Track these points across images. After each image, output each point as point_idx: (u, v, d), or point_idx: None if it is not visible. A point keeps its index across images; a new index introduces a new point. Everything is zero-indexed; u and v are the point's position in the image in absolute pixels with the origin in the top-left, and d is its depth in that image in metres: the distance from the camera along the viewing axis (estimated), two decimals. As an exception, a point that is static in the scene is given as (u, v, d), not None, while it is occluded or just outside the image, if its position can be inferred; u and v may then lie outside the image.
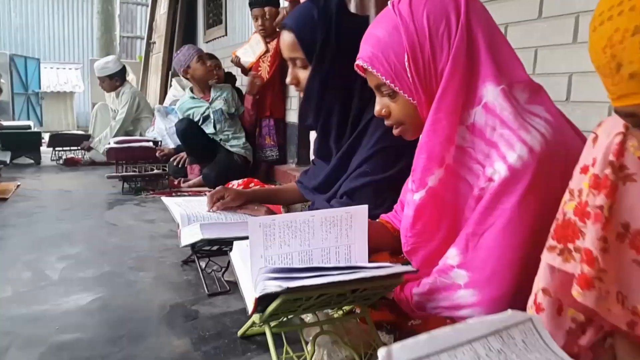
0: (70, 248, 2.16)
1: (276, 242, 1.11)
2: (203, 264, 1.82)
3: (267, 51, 3.84)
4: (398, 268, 1.06)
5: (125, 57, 12.65)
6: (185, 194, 3.51)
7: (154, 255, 2.09)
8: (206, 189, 3.61)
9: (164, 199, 1.96)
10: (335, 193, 1.66)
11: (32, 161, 4.84)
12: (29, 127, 5.20)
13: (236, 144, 3.86)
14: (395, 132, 1.19)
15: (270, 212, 1.83)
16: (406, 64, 1.05)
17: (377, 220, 1.44)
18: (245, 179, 3.33)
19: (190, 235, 1.66)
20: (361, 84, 1.54)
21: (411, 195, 1.14)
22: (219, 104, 3.83)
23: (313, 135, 3.13)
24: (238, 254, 1.24)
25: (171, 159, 4.29)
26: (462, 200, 1.08)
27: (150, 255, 2.08)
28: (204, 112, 3.83)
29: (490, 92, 1.02)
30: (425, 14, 1.04)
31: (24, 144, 4.78)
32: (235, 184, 3.30)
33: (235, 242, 1.28)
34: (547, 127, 0.97)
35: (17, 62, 10.12)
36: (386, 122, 1.19)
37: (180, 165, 4.26)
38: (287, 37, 1.59)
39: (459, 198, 1.08)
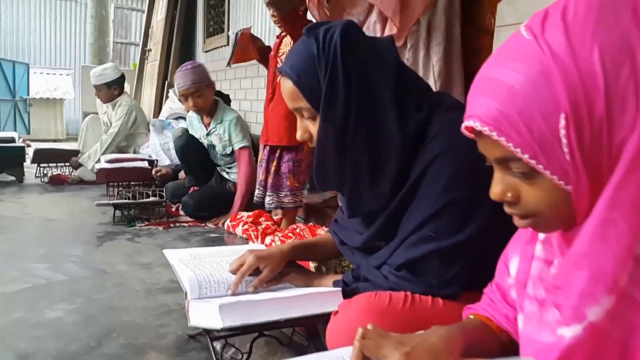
0: (47, 310, 1.74)
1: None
2: (218, 346, 1.41)
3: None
4: None
5: (119, 64, 12.15)
6: (185, 224, 3.09)
7: (152, 322, 1.68)
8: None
9: (167, 255, 1.55)
10: (385, 261, 1.25)
11: (14, 178, 4.39)
12: (12, 139, 4.75)
13: (236, 171, 3.31)
14: (521, 223, 0.77)
15: (300, 270, 1.43)
16: (562, 131, 0.64)
17: (469, 314, 1.04)
18: (256, 212, 2.94)
19: (204, 316, 1.25)
20: (398, 122, 1.14)
21: (537, 312, 0.78)
22: (214, 139, 3.27)
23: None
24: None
25: (154, 173, 3.90)
26: (636, 338, 0.68)
27: (147, 324, 1.66)
28: (201, 139, 3.36)
29: None
30: (597, 49, 0.62)
31: (5, 160, 4.33)
32: (245, 215, 2.90)
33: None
34: None
35: (4, 67, 9.58)
36: (508, 209, 0.77)
37: (157, 181, 3.88)
38: (285, 84, 1.21)
39: (632, 335, 0.68)
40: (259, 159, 2.90)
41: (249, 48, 2.77)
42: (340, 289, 1.29)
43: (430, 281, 1.13)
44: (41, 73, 10.85)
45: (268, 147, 2.73)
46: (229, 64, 2.83)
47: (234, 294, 1.32)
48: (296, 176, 2.72)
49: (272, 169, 2.71)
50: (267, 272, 1.34)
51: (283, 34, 2.75)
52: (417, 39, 2.21)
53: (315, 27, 1.18)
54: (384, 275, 1.19)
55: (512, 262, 0.95)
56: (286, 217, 2.82)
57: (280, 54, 2.70)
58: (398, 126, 1.12)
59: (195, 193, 3.31)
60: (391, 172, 1.16)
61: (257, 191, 2.83)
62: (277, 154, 2.71)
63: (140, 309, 1.78)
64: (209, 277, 1.37)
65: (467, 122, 0.74)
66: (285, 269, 1.40)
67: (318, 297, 1.31)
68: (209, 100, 3.17)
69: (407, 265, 1.15)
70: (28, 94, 10.20)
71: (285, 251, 1.41)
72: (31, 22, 12.74)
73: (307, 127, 1.22)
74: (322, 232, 2.59)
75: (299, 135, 1.25)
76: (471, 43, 2.39)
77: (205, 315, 1.24)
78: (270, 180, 2.72)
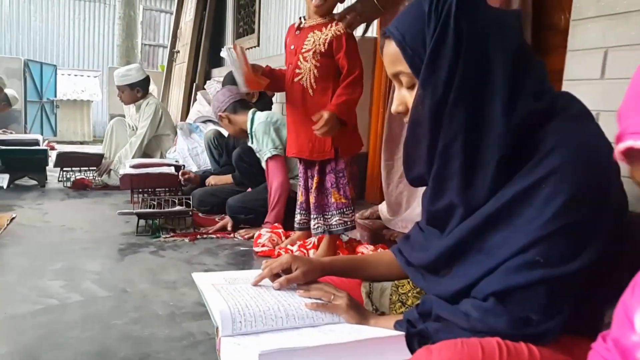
0: (58, 338, 1.53)
1: None
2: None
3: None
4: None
5: (147, 66, 12.13)
6: (213, 236, 2.88)
7: (175, 357, 1.45)
8: (242, 231, 2.97)
9: (197, 279, 1.30)
10: (467, 289, 1.00)
11: (36, 182, 4.24)
12: (36, 142, 4.62)
13: None
14: None
15: (353, 303, 1.17)
16: None
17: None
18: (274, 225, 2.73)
19: (238, 361, 1.02)
20: (506, 104, 0.93)
21: None
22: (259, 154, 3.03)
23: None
24: None
25: (181, 174, 3.69)
26: None
27: (170, 359, 1.44)
28: None
29: None
30: None
31: (28, 164, 4.18)
32: (267, 235, 2.64)
33: None
34: None
35: (32, 68, 9.53)
36: None
37: (184, 186, 3.70)
38: (388, 46, 1.06)
39: None
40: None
41: (252, 77, 2.20)
42: (402, 333, 1.04)
43: (529, 316, 0.90)
44: (69, 75, 10.84)
45: (303, 162, 2.33)
46: (247, 92, 2.27)
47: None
48: (341, 189, 2.24)
49: (314, 186, 2.27)
50: (298, 274, 1.17)
51: (308, 26, 2.20)
52: None
53: None
54: (465, 312, 0.94)
55: (637, 315, 0.70)
56: (328, 242, 2.36)
57: (303, 51, 2.17)
58: (503, 112, 0.93)
59: (241, 196, 3.11)
60: (490, 164, 0.96)
61: (297, 217, 2.42)
62: (317, 168, 2.26)
63: (162, 340, 1.55)
64: (244, 310, 1.12)
65: (624, 144, 0.49)
66: (340, 293, 1.16)
67: (378, 343, 1.05)
68: (236, 125, 3.06)
69: (503, 294, 0.91)
70: (55, 96, 10.19)
71: (324, 262, 1.24)
72: (59, 24, 12.79)
73: (404, 98, 1.07)
74: (365, 250, 2.34)
75: (393, 107, 1.10)
76: (538, 42, 2.14)
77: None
78: (312, 200, 2.28)
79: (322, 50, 2.14)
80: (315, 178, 2.27)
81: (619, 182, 0.94)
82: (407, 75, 1.02)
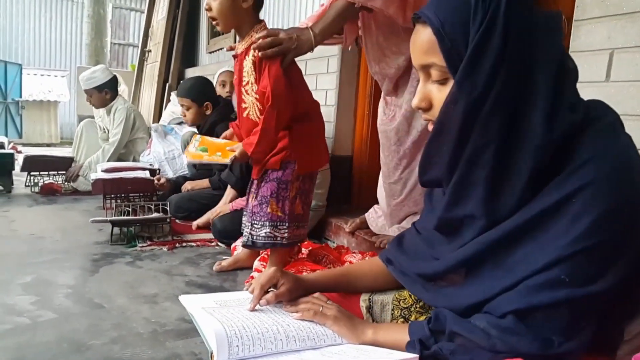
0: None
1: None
2: None
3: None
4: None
5: (117, 66, 11.84)
6: (193, 244, 2.74)
7: (163, 384, 1.33)
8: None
9: (186, 303, 1.19)
10: (480, 304, 0.93)
11: (1, 188, 4.02)
12: (0, 145, 4.39)
13: None
14: None
15: (344, 314, 1.09)
16: None
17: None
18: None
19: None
20: (548, 116, 0.86)
21: None
22: None
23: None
24: None
25: (155, 180, 3.51)
26: None
27: (157, 386, 1.31)
28: None
29: None
30: None
31: (-8, 168, 3.95)
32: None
33: None
34: None
35: (-5, 68, 9.27)
36: None
37: (158, 192, 3.52)
38: (421, 33, 0.93)
39: None
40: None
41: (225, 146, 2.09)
42: (416, 356, 0.96)
43: (550, 337, 0.84)
44: (35, 74, 10.45)
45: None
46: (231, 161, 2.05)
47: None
48: (280, 202, 2.00)
49: (256, 193, 2.06)
50: (284, 290, 1.13)
51: (240, 52, 1.98)
52: None
53: None
54: (483, 329, 0.87)
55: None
56: (274, 258, 2.12)
57: (244, 83, 1.97)
58: (544, 123, 0.86)
59: (226, 217, 2.83)
60: (522, 176, 0.89)
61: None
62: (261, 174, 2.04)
63: (146, 363, 1.43)
64: (241, 332, 1.02)
65: None
66: (330, 306, 1.10)
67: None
68: None
69: (524, 312, 0.85)
70: (21, 96, 9.82)
71: (309, 279, 1.19)
72: (25, 21, 12.32)
73: (429, 93, 0.96)
74: (353, 259, 2.24)
75: (415, 101, 0.99)
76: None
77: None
78: (250, 205, 2.07)
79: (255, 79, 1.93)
80: (256, 183, 2.08)
81: None
82: (440, 69, 0.92)
